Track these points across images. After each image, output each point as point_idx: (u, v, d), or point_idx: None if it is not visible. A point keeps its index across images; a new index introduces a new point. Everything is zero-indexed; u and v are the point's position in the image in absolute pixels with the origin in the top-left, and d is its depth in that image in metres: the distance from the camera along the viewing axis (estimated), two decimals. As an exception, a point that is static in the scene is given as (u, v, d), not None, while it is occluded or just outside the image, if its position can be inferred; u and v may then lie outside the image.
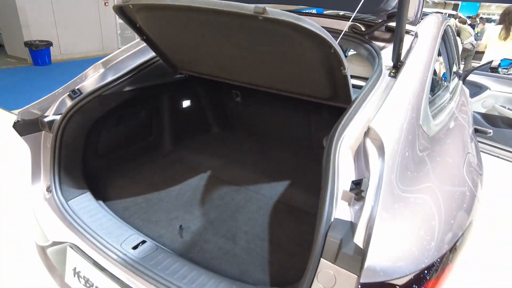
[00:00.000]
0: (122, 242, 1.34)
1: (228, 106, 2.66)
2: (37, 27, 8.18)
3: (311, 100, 1.65)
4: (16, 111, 5.08)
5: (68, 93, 1.68)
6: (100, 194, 1.73)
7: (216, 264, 1.35)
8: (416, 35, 1.59)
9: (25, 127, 1.62)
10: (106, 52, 9.76)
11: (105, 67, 1.78)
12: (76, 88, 1.70)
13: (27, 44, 7.79)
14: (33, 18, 8.08)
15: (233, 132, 2.66)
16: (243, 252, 1.43)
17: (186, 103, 2.38)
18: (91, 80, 1.74)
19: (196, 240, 1.48)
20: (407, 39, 1.56)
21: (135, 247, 1.32)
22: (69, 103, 1.68)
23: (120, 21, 9.91)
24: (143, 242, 1.35)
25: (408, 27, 1.61)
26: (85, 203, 1.57)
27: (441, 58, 1.95)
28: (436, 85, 1.71)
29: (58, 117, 1.63)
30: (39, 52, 7.90)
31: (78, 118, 1.65)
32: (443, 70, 1.92)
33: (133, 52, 1.89)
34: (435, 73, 1.67)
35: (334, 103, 1.58)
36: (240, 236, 1.52)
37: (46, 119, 1.61)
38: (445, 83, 1.96)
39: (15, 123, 1.59)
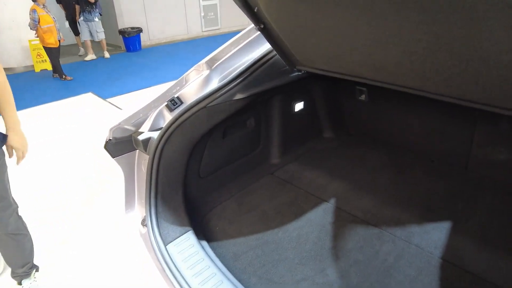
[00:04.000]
0: None
1: (347, 106, 2.11)
2: (129, 15, 8.45)
3: (497, 111, 1.04)
4: (110, 99, 5.10)
5: (166, 103, 1.33)
6: (204, 231, 1.37)
7: None
8: None
9: (117, 147, 1.31)
10: (190, 35, 9.79)
11: (210, 67, 1.38)
12: (176, 96, 1.33)
13: (121, 31, 8.10)
14: (126, 6, 8.34)
15: (352, 140, 2.11)
16: None
17: (299, 106, 1.90)
18: (193, 85, 1.35)
19: None
20: None
21: None
22: (167, 115, 1.32)
23: (204, 3, 9.79)
24: None
25: None
26: (187, 249, 1.22)
27: None
28: None
29: (155, 134, 1.28)
30: (131, 38, 8.17)
31: (180, 135, 1.29)
32: None
33: (241, 47, 1.45)
34: None
35: None
36: None
37: (141, 137, 1.28)
38: None
39: (106, 142, 1.29)
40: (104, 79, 6.07)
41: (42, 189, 2.76)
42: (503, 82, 0.92)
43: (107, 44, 8.97)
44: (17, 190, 2.65)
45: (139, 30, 8.25)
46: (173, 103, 1.32)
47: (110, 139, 1.29)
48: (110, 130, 1.28)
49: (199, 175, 1.48)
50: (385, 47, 1.06)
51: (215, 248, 1.29)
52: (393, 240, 1.33)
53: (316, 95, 1.98)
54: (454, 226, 1.39)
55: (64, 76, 5.99)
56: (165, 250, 1.20)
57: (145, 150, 1.30)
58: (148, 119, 1.34)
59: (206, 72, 1.37)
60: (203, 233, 1.35)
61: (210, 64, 1.38)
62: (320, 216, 1.46)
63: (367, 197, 1.58)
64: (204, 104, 1.27)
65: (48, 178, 2.94)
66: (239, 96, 1.35)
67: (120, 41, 8.42)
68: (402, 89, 1.26)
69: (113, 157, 1.32)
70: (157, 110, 1.34)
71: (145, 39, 8.85)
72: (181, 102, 1.32)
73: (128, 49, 8.36)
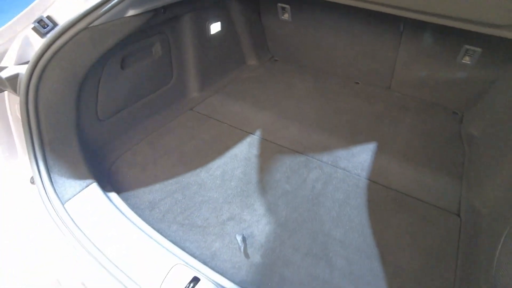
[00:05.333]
0: (163, 282, 0.83)
1: (270, 28, 1.92)
2: None
3: (471, 28, 0.96)
4: None
5: (33, 25, 1.00)
6: (112, 181, 1.18)
7: None
8: None
9: None
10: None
11: (89, -26, 1.05)
12: (46, 16, 1.01)
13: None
14: None
15: (278, 66, 1.97)
16: (348, 282, 0.92)
17: (215, 28, 1.65)
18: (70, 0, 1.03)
19: (271, 263, 0.96)
20: None
21: None
22: (37, 42, 1.01)
23: None
24: (195, 280, 0.83)
25: None
26: (91, 204, 1.02)
27: None
28: None
29: (23, 69, 0.98)
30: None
31: (58, 68, 1.01)
32: None
33: None
34: None
35: None
36: (335, 251, 0.99)
37: (4, 74, 0.97)
38: None
39: (-46, 84, 0.96)
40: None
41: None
42: None
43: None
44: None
45: None
46: (43, 25, 1.00)
47: (-42, 79, 0.96)
48: (-45, 66, 0.95)
49: (98, 117, 1.23)
50: None
51: (127, 199, 1.12)
52: (320, 166, 1.28)
53: (234, 15, 1.74)
54: (379, 147, 1.39)
55: None
56: (64, 210, 0.99)
57: (16, 91, 1.00)
58: (10, 48, 1.01)
59: (85, -19, 1.04)
60: (112, 184, 1.16)
61: (88, -30, 1.05)
62: (245, 150, 1.34)
63: (293, 125, 1.50)
64: (85, 23, 0.98)
65: None
66: (132, 11, 1.07)
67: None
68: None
69: (-31, 103, 1.00)
70: (23, 36, 1.01)
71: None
72: (54, 24, 1.01)
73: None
